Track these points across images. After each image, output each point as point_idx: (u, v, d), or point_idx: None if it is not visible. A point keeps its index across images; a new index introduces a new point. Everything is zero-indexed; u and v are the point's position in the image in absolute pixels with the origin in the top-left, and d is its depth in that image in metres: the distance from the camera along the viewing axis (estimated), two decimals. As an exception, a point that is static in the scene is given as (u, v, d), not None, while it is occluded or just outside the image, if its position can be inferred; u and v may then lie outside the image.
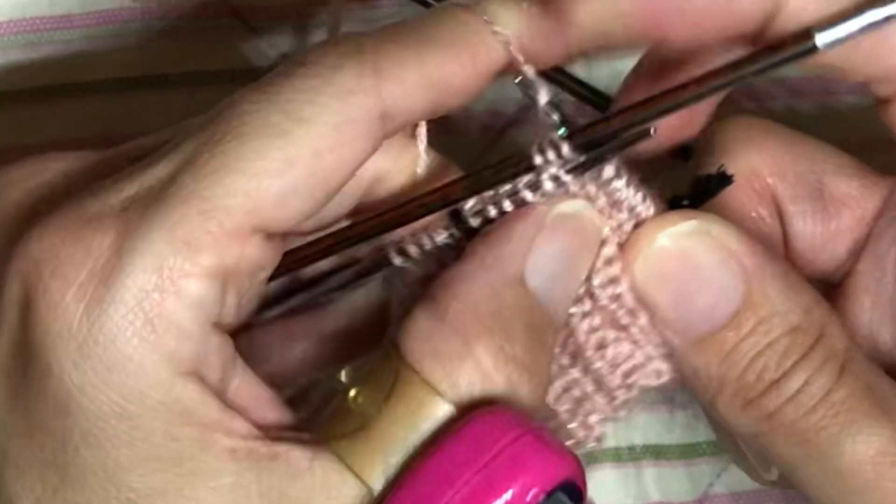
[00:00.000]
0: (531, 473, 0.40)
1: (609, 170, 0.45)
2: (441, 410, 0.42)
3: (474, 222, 0.45)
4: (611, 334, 0.46)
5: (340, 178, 0.43)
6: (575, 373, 0.46)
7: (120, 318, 0.40)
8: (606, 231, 0.45)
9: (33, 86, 0.61)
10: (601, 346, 0.46)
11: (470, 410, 0.42)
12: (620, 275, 0.45)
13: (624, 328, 0.46)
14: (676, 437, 0.61)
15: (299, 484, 0.41)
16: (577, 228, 0.45)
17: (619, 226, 0.45)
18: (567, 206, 0.45)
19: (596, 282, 0.45)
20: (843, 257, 0.50)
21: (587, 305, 0.46)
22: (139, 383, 0.41)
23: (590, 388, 0.46)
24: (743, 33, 0.45)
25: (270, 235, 0.43)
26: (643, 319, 0.46)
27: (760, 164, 0.49)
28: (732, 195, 0.48)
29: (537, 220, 0.45)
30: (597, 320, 0.46)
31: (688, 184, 0.47)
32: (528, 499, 0.40)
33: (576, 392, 0.46)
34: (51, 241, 0.41)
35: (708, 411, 0.48)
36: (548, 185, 0.44)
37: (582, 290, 0.46)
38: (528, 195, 0.44)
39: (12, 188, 0.45)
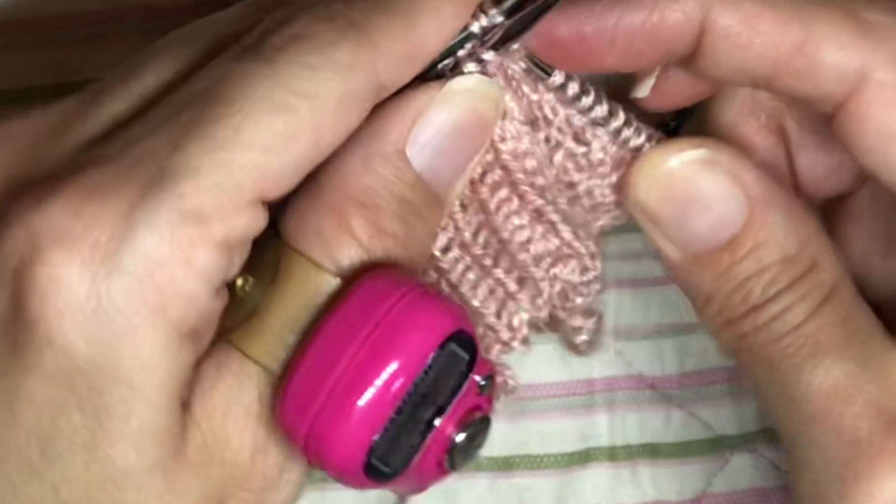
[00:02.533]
0: (422, 327, 0.41)
1: (573, 87, 0.46)
2: (326, 284, 0.43)
3: None
4: (535, 227, 0.47)
5: (331, 150, 0.43)
6: (499, 272, 0.47)
7: (128, 288, 0.40)
8: (511, 106, 0.46)
9: (34, 84, 0.61)
10: (522, 236, 0.47)
11: (355, 280, 0.43)
12: (529, 152, 0.46)
13: (545, 219, 0.47)
14: (672, 436, 0.61)
15: (218, 396, 0.43)
16: (470, 104, 0.45)
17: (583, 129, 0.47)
18: (460, 81, 0.45)
19: (507, 159, 0.46)
20: (847, 187, 0.51)
21: (503, 192, 0.46)
22: (146, 351, 0.41)
23: (513, 287, 0.47)
24: (676, 57, 0.46)
25: (265, 203, 0.43)
26: (562, 203, 0.47)
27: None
28: (738, 124, 0.49)
29: (426, 94, 0.45)
30: (517, 212, 0.47)
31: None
32: (423, 351, 0.41)
33: (499, 293, 0.47)
34: (50, 211, 0.41)
35: None
36: (466, 51, 0.45)
37: (499, 175, 0.46)
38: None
39: None
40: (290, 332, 0.43)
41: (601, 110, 0.47)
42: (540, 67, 0.46)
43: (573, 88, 0.46)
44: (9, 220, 0.41)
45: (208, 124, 0.42)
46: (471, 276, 0.46)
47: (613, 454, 0.62)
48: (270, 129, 0.42)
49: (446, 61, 0.45)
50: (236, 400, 0.43)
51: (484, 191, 0.47)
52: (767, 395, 0.47)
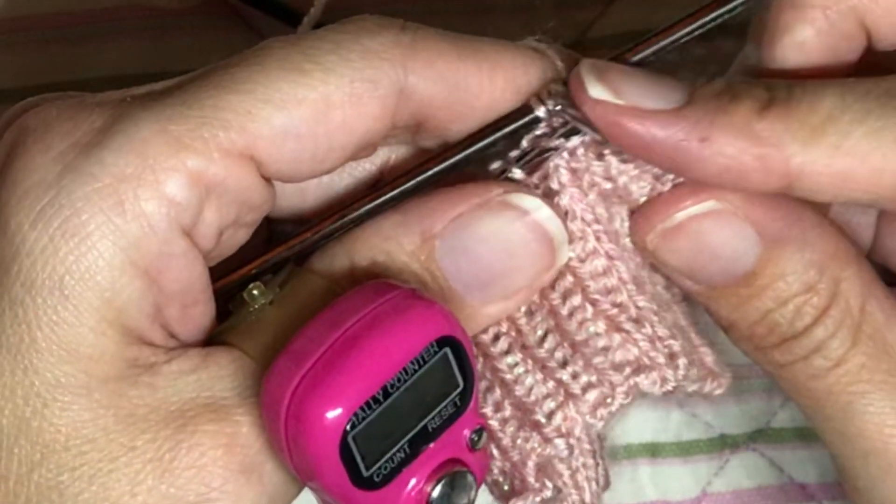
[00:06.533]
0: (416, 319, 0.40)
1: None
2: (329, 292, 0.42)
3: None
4: (612, 335, 0.45)
5: (341, 141, 0.42)
6: (564, 375, 0.45)
7: (91, 190, 0.40)
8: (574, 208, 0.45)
9: (33, 83, 0.61)
10: (600, 343, 0.45)
11: None
12: (620, 284, 0.45)
13: (621, 327, 0.46)
14: (673, 435, 0.61)
15: (194, 377, 0.41)
16: (527, 226, 0.44)
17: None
18: (523, 198, 0.44)
19: (575, 266, 0.45)
20: None
21: (577, 299, 0.45)
22: (89, 260, 0.40)
23: (577, 390, 0.45)
24: None
25: (263, 174, 0.42)
26: (641, 300, 0.45)
27: None
28: None
29: (485, 191, 0.44)
30: (592, 320, 0.45)
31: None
32: (413, 340, 0.40)
33: (559, 396, 0.45)
34: (45, 115, 0.41)
35: None
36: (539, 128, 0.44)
37: (570, 282, 0.45)
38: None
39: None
40: (286, 331, 0.41)
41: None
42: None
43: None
44: (14, 123, 0.42)
45: (218, 71, 0.42)
46: (528, 379, 0.45)
47: (614, 453, 0.61)
48: (276, 85, 0.41)
49: (515, 153, 0.44)
50: (210, 388, 0.41)
51: (555, 297, 0.45)
52: (815, 424, 0.46)
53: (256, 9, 0.61)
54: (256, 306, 0.43)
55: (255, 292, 0.43)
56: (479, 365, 0.46)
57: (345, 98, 0.42)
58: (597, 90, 0.43)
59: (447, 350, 0.41)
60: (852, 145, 0.41)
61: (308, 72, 0.41)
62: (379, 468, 0.41)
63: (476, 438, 0.43)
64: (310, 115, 0.41)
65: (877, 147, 0.41)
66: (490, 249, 0.44)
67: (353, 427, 0.39)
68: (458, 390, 0.42)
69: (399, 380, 0.40)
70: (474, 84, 0.43)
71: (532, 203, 0.44)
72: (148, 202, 0.40)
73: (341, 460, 0.40)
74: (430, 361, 0.41)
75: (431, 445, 0.42)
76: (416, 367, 0.41)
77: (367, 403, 0.40)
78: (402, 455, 0.41)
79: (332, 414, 0.39)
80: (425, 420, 0.41)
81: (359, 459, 0.40)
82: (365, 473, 0.40)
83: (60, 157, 0.40)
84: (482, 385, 0.46)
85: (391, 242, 0.43)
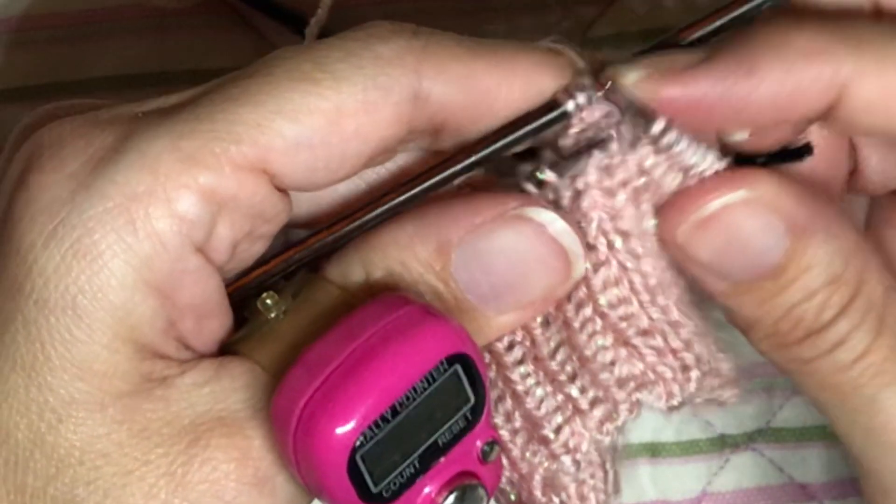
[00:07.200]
0: (428, 336, 0.40)
1: (658, 126, 0.43)
2: (343, 302, 0.42)
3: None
4: (619, 349, 0.45)
5: (356, 149, 0.42)
6: (573, 390, 0.45)
7: (103, 209, 0.40)
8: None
9: (33, 83, 0.61)
10: (606, 357, 0.45)
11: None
12: (631, 294, 0.45)
13: (629, 342, 0.45)
14: (673, 435, 0.61)
15: (208, 389, 0.42)
16: (542, 239, 0.44)
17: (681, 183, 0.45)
18: (538, 212, 0.44)
19: (602, 301, 0.45)
20: None
21: (587, 310, 0.45)
22: (101, 280, 0.40)
23: (585, 405, 0.45)
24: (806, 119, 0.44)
25: (276, 186, 0.42)
26: (655, 311, 0.45)
27: None
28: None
29: (498, 206, 0.44)
30: (602, 333, 0.45)
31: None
32: (424, 358, 0.40)
33: (567, 411, 0.45)
34: (60, 132, 0.42)
35: None
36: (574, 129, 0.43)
37: (584, 293, 0.45)
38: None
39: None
40: (299, 342, 0.42)
41: (694, 155, 0.44)
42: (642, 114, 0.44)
43: (669, 137, 0.44)
44: (30, 139, 0.42)
45: (227, 83, 0.41)
46: (539, 391, 0.45)
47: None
48: (287, 96, 0.41)
49: (549, 154, 0.44)
50: (223, 400, 0.42)
51: (569, 309, 0.45)
52: (838, 422, 0.45)
53: (256, 9, 0.61)
54: (270, 316, 0.43)
55: (268, 301, 0.43)
56: (492, 373, 0.46)
57: (357, 106, 0.41)
58: (632, 73, 0.43)
59: (457, 367, 0.41)
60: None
61: (319, 81, 0.41)
62: (388, 483, 0.41)
63: (488, 450, 0.43)
64: (322, 125, 0.41)
65: None
66: (505, 262, 0.44)
67: (361, 445, 0.40)
68: (469, 405, 0.42)
69: (408, 398, 0.40)
70: (491, 86, 0.43)
71: (547, 217, 0.44)
72: (159, 220, 0.40)
73: (349, 477, 0.40)
74: (440, 379, 0.41)
75: (442, 460, 0.42)
76: (426, 385, 0.41)
77: (376, 422, 0.40)
78: (412, 470, 0.41)
79: (341, 431, 0.39)
80: (435, 435, 0.41)
81: (367, 476, 0.40)
82: (374, 490, 0.40)
83: (73, 176, 0.40)
84: (494, 394, 0.46)
85: (407, 252, 0.43)
